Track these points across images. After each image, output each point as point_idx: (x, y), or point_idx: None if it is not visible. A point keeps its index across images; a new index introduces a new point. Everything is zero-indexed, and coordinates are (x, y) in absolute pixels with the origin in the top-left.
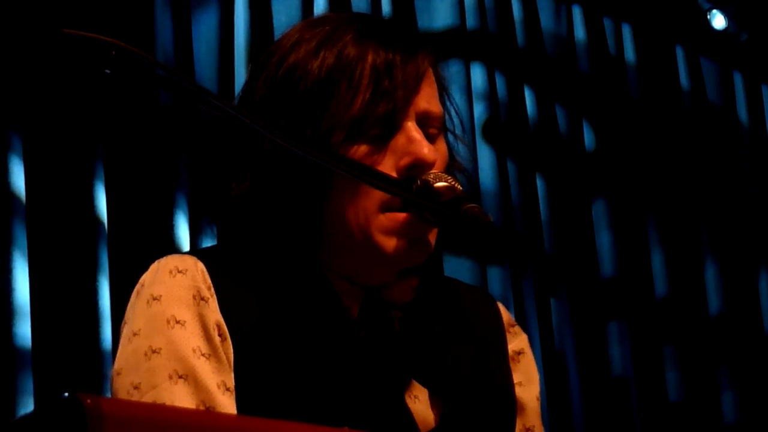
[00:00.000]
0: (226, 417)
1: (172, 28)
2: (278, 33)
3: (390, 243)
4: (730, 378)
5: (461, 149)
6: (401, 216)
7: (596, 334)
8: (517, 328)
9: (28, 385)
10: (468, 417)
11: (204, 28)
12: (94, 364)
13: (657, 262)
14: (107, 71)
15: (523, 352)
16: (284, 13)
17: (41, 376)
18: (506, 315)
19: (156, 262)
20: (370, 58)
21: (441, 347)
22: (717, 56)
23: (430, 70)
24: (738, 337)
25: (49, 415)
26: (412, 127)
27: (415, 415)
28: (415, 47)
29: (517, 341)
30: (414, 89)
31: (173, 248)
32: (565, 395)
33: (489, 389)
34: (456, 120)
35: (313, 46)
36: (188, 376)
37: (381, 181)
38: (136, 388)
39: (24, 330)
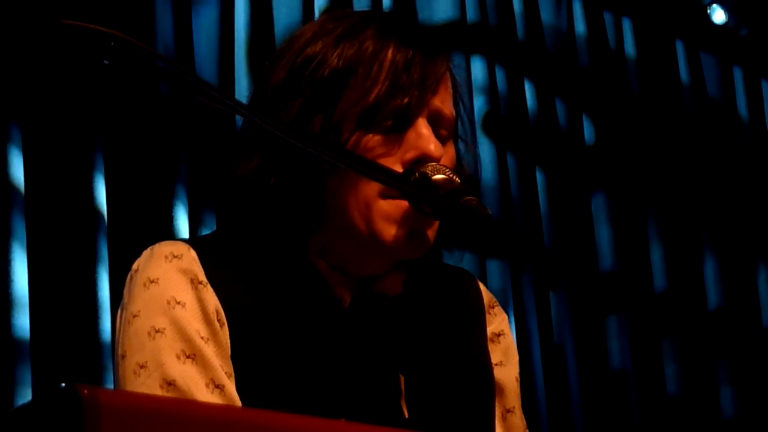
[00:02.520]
0: (222, 408)
1: (173, 20)
2: (278, 26)
3: (390, 231)
4: (728, 372)
5: (470, 157)
6: (403, 203)
7: (595, 328)
8: (497, 309)
9: (27, 376)
10: (447, 403)
11: (204, 21)
12: (93, 356)
13: (656, 256)
14: (106, 62)
15: (502, 333)
16: (285, 5)
17: (39, 367)
18: (487, 296)
19: (149, 249)
20: (390, 54)
21: (424, 337)
22: (717, 51)
23: (449, 74)
24: (737, 331)
25: (45, 405)
26: (422, 124)
27: (397, 403)
28: (435, 48)
29: (497, 322)
30: (431, 89)
31: (173, 240)
32: (564, 389)
33: (468, 373)
34: (468, 127)
35: (334, 38)
36: (196, 356)
37: (379, 172)
38: (142, 367)
39: (22, 321)
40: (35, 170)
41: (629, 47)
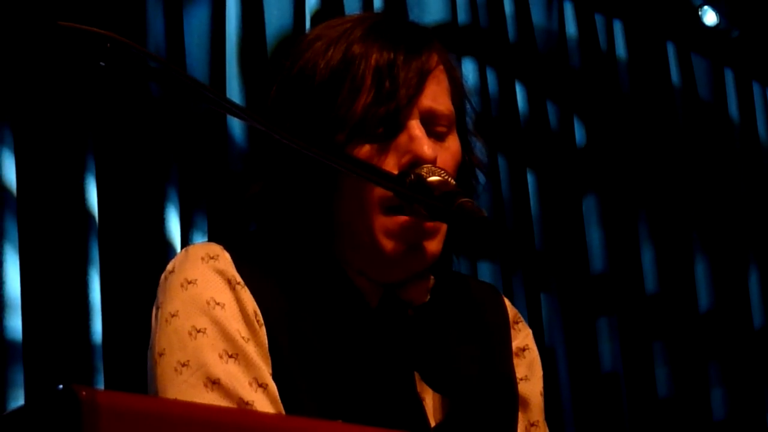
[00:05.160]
0: (222, 410)
1: (164, 21)
2: (270, 27)
3: (390, 246)
4: (719, 374)
5: (479, 146)
6: (401, 219)
7: (586, 330)
8: (522, 324)
9: (19, 378)
10: (471, 415)
11: (195, 22)
12: (85, 358)
13: (647, 258)
14: (102, 64)
15: (527, 348)
16: (275, 7)
17: (32, 369)
18: (512, 311)
19: (184, 250)
20: (373, 58)
21: (449, 348)
22: (708, 52)
23: (441, 68)
24: (727, 333)
25: (43, 407)
26: (414, 126)
27: (423, 412)
28: (419, 45)
29: (522, 337)
30: (417, 88)
31: (164, 242)
32: (555, 391)
33: (493, 387)
34: (472, 116)
35: (324, 45)
36: (238, 355)
37: (375, 174)
38: (184, 365)
39: (15, 323)
40: (27, 172)
41: (620, 49)
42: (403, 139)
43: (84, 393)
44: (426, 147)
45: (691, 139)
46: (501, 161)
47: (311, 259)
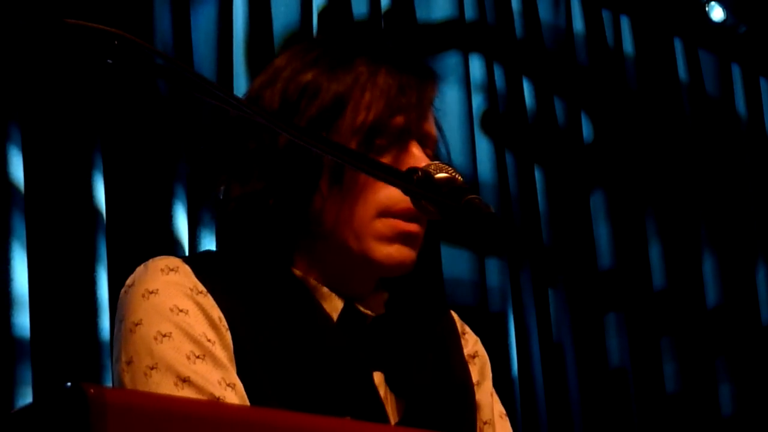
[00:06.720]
0: (230, 407)
1: (171, 19)
2: (277, 25)
3: (378, 249)
4: (727, 369)
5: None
6: (396, 222)
7: (594, 326)
8: (469, 333)
9: (27, 375)
10: (430, 417)
11: (203, 20)
12: (93, 355)
13: (655, 253)
14: (109, 61)
15: (477, 354)
16: (283, 4)
17: (39, 366)
18: (459, 322)
19: (143, 265)
20: (383, 79)
21: (408, 354)
22: (715, 48)
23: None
24: (735, 328)
25: (51, 404)
26: (414, 144)
27: (385, 416)
28: (426, 74)
29: (471, 344)
30: (424, 112)
31: (172, 239)
32: (563, 386)
33: (451, 391)
34: (445, 148)
35: (326, 66)
36: (206, 356)
37: (383, 171)
38: (152, 368)
39: (22, 320)
40: (35, 169)
41: (628, 45)
42: (401, 156)
43: (92, 390)
44: (424, 165)
45: (699, 135)
46: (508, 157)
47: (272, 273)
